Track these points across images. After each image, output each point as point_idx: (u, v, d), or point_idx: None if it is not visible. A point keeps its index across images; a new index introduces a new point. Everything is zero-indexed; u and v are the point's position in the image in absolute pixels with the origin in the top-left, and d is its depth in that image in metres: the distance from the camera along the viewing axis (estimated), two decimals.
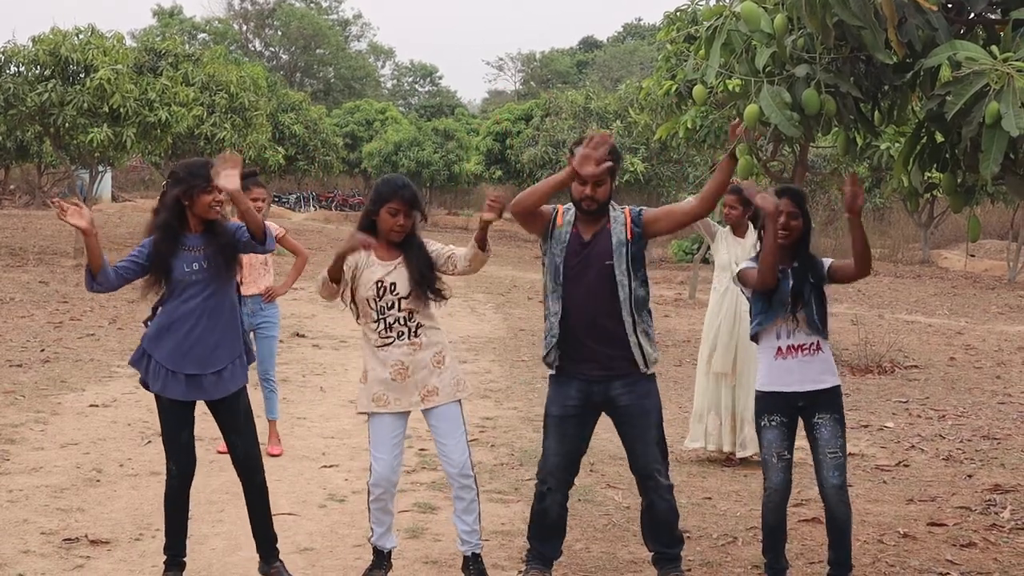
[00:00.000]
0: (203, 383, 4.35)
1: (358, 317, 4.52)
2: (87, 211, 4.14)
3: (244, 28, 60.58)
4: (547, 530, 4.44)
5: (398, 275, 4.40)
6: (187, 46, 29.87)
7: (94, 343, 10.84)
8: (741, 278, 4.50)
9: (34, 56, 18.15)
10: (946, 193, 4.31)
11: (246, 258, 6.68)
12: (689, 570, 4.78)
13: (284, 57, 60.22)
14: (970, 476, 6.65)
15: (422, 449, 6.89)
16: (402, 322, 4.41)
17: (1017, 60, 3.43)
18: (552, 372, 4.42)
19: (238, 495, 5.78)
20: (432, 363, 4.46)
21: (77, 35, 18.63)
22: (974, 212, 4.99)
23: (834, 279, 4.45)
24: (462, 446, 4.47)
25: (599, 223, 4.36)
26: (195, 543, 4.99)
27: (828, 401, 4.35)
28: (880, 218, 33.01)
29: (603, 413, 4.49)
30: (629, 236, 4.32)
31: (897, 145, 9.81)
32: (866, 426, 7.97)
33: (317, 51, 59.37)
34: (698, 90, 4.71)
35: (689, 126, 10.62)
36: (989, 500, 6.06)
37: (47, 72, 18.19)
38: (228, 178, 4.09)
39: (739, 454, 6.77)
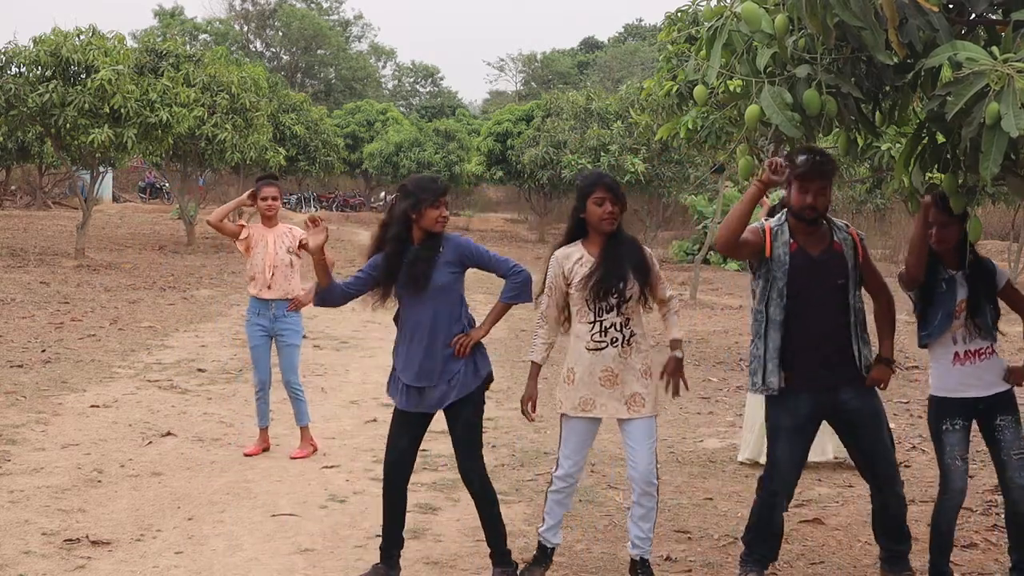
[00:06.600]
0: (423, 395, 4.49)
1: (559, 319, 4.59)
2: (325, 234, 4.36)
3: (245, 29, 60.64)
4: (771, 534, 4.49)
5: (617, 268, 4.39)
6: (188, 47, 29.94)
7: (95, 344, 10.84)
8: (900, 282, 4.58)
9: (35, 57, 18.18)
10: (947, 194, 4.31)
11: (271, 259, 6.68)
12: (690, 571, 4.79)
13: (285, 58, 60.28)
14: (971, 477, 6.62)
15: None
16: (618, 328, 4.42)
17: (1018, 61, 3.42)
18: (775, 391, 4.36)
19: (239, 496, 5.81)
20: (640, 372, 4.46)
21: (78, 36, 18.67)
22: (975, 213, 4.98)
23: (1002, 297, 4.55)
24: (651, 455, 4.46)
25: (824, 239, 4.37)
26: (196, 543, 4.99)
27: (1007, 403, 4.44)
28: (881, 219, 33.00)
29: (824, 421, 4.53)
30: (861, 260, 4.43)
31: (898, 146, 9.79)
32: None
33: (318, 52, 59.46)
34: (699, 91, 4.70)
35: (690, 127, 10.60)
36: (990, 501, 6.07)
37: (48, 73, 18.22)
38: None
39: (740, 457, 6.79)
